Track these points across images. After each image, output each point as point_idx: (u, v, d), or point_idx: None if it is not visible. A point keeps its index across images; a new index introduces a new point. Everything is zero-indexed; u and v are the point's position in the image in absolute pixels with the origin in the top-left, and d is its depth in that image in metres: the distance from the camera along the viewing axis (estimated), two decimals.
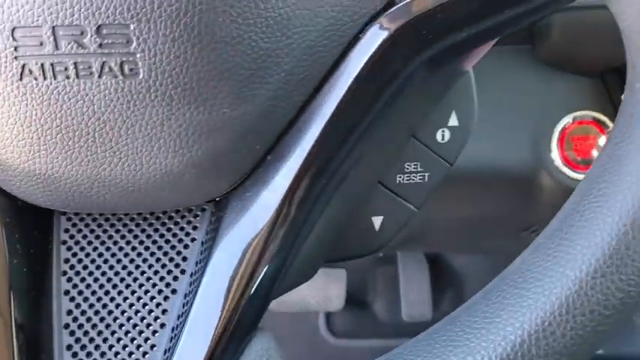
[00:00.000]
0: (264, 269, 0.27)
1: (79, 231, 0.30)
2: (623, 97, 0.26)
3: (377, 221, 0.32)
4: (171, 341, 0.28)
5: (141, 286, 0.29)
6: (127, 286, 0.29)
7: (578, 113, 0.52)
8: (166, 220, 0.30)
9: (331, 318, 1.07)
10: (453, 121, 0.32)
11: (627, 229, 0.23)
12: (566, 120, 0.52)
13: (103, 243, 0.29)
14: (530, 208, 0.55)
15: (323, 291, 0.97)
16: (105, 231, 0.30)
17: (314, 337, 1.05)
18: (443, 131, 0.32)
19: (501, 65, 0.53)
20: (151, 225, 0.30)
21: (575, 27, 0.49)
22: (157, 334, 0.28)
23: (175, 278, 0.29)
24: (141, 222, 0.30)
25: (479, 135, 0.54)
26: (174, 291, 0.28)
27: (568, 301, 0.23)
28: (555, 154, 0.53)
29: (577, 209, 0.25)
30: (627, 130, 0.24)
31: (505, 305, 0.24)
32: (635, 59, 0.25)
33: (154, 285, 0.29)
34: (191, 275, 0.28)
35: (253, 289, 0.27)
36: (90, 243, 0.29)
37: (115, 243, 0.29)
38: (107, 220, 0.30)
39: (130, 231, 0.30)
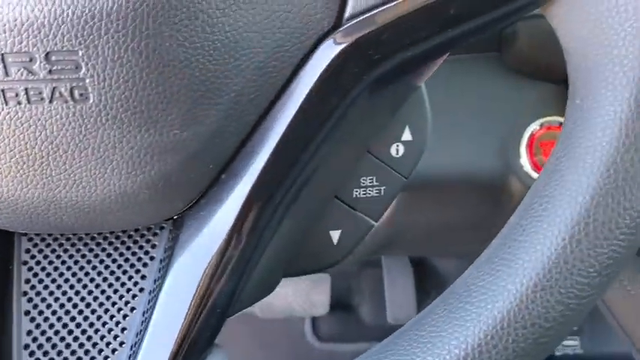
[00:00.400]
0: (220, 287, 0.28)
1: (40, 251, 0.30)
2: (565, 112, 0.26)
3: (335, 235, 0.33)
4: (129, 359, 0.28)
5: (101, 305, 0.29)
6: (88, 305, 0.29)
7: (545, 119, 0.53)
8: (126, 239, 0.30)
9: (317, 322, 1.07)
10: (407, 135, 0.33)
11: (566, 243, 0.23)
12: (534, 126, 0.53)
13: (63, 262, 0.30)
14: (501, 213, 0.56)
15: (307, 297, 0.98)
16: (66, 250, 0.30)
17: (300, 342, 1.05)
18: (397, 146, 0.33)
19: (469, 72, 0.54)
20: (111, 244, 0.30)
21: (541, 34, 0.50)
22: (116, 352, 0.28)
23: (134, 296, 0.29)
24: (101, 241, 0.30)
25: (448, 142, 0.54)
26: (132, 309, 0.29)
27: (509, 314, 0.23)
28: (524, 160, 0.53)
29: (520, 223, 0.25)
30: (567, 146, 0.25)
31: (451, 319, 0.24)
32: (573, 76, 0.26)
33: (114, 304, 0.29)
34: (149, 293, 0.29)
35: (209, 307, 0.28)
36: (51, 263, 0.30)
37: (76, 262, 0.30)
38: (68, 239, 0.30)
39: (91, 250, 0.30)
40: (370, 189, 0.33)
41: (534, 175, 0.53)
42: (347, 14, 0.26)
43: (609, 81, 0.24)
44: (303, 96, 0.27)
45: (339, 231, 0.33)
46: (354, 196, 0.32)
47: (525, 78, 0.53)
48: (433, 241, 0.66)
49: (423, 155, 0.55)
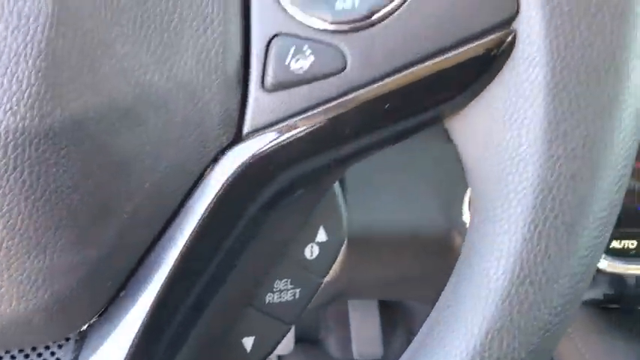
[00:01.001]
0: None
1: None
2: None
3: (248, 342, 0.32)
4: None
5: None
6: None
7: None
8: (29, 352, 0.29)
9: (283, 359, 1.06)
10: (322, 236, 0.32)
11: None
12: None
13: None
14: (447, 266, 0.55)
15: None
16: None
17: None
18: (312, 247, 0.32)
19: None
20: (13, 358, 0.29)
21: None
22: None
23: None
24: (3, 355, 0.29)
25: (395, 200, 0.54)
26: None
27: None
28: (467, 217, 0.53)
29: (420, 350, 0.25)
30: (465, 272, 0.24)
31: None
32: (472, 196, 0.25)
33: None
34: None
35: None
36: None
37: None
38: None
39: None
40: (285, 292, 0.32)
41: None
42: (245, 130, 0.26)
43: (504, 208, 0.23)
44: (202, 211, 0.26)
45: (253, 337, 0.32)
46: (267, 301, 0.31)
47: None
48: (384, 291, 0.66)
49: (369, 213, 0.55)
